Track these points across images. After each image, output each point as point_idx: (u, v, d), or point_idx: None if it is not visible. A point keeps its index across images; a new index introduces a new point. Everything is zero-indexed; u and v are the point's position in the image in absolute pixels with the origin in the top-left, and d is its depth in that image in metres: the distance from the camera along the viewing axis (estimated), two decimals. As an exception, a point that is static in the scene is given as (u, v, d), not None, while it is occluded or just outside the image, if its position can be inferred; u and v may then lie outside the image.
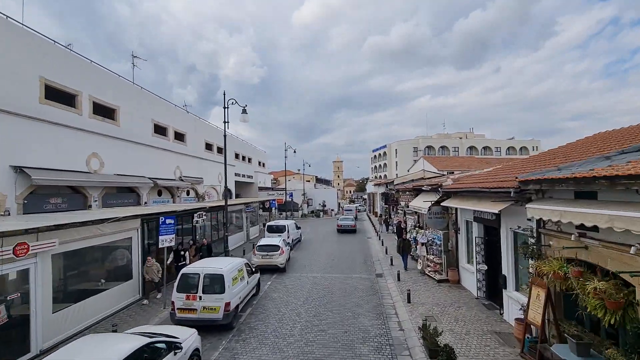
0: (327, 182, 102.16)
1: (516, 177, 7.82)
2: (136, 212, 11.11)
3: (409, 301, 11.08)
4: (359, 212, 50.94)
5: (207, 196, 27.84)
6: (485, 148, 72.50)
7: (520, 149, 73.68)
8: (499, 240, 10.07)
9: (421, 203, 14.94)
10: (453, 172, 26.62)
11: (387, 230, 29.32)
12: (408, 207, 19.27)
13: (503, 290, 9.67)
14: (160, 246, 10.45)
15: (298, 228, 24.64)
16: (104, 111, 17.63)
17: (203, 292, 8.94)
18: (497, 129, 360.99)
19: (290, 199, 39.36)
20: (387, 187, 34.04)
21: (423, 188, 14.91)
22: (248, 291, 10.80)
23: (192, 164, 25.43)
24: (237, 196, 40.58)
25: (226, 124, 15.59)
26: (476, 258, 11.42)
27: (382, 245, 21.82)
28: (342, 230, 30.11)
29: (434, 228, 14.08)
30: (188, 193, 25.53)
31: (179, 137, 25.95)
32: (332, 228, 33.08)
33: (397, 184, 26.31)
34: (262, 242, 15.98)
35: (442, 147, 70.24)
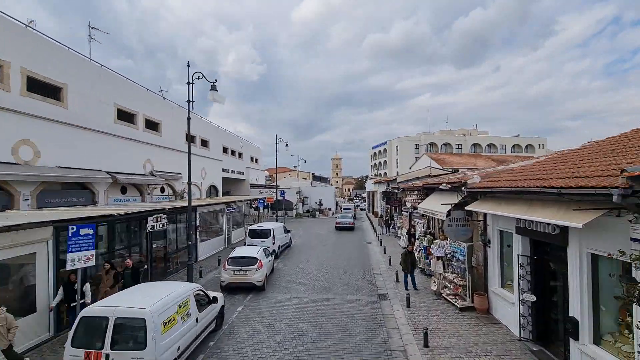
0: (324, 180, 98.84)
1: (623, 171, 4.65)
2: (41, 217, 7.86)
3: (425, 345, 7.92)
4: (357, 210, 48.20)
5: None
6: (489, 145, 69.84)
7: (526, 146, 71.46)
8: (561, 262, 6.95)
9: (437, 206, 11.75)
10: (458, 170, 23.51)
11: (388, 231, 26.43)
12: (416, 209, 16.03)
13: (571, 339, 6.52)
14: (68, 268, 7.24)
15: (287, 232, 21.37)
16: (44, 89, 14.30)
17: (112, 347, 5.72)
18: (497, 127, 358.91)
19: (282, 197, 36.04)
20: (388, 185, 30.84)
21: (441, 187, 11.69)
22: (197, 333, 7.55)
23: (168, 157, 22.14)
24: (226, 194, 37.34)
25: (190, 103, 12.34)
26: (519, 284, 8.24)
27: (384, 253, 18.69)
28: (341, 228, 29.84)
29: (456, 239, 10.87)
30: (163, 190, 22.27)
31: (152, 125, 22.59)
32: (328, 230, 30.04)
33: (401, 182, 23.09)
34: (236, 253, 12.74)
35: (445, 144, 67.54)
